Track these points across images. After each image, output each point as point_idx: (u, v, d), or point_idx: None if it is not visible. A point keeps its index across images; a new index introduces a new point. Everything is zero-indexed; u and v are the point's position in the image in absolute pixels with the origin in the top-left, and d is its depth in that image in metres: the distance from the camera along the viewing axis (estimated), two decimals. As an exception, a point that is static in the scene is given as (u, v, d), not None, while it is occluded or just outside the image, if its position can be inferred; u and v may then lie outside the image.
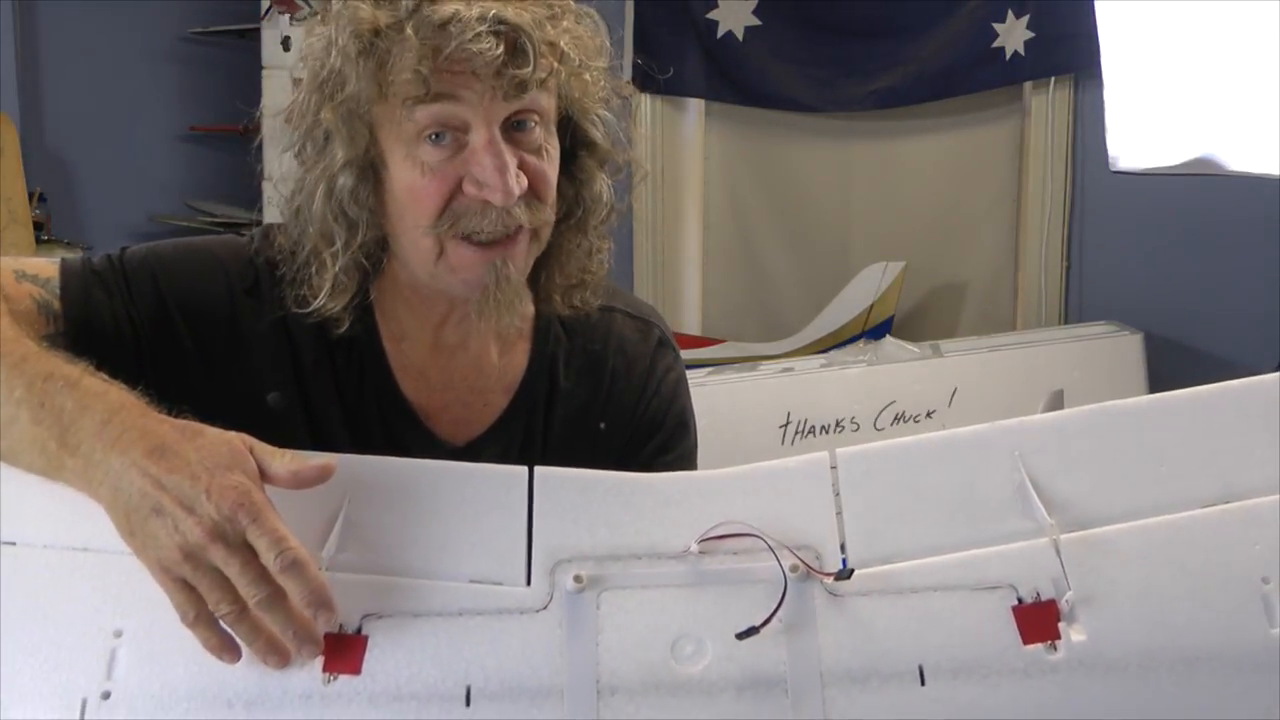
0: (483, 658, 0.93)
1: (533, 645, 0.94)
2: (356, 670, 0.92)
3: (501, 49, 1.09)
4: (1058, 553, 0.95)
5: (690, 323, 4.66)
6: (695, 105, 4.60)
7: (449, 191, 1.14)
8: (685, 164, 4.64)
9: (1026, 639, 0.93)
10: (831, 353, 3.92)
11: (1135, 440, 1.01)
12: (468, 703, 0.92)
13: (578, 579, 0.95)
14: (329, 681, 0.92)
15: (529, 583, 0.96)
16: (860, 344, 3.98)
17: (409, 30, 1.10)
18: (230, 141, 4.92)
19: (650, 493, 1.01)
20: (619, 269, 1.34)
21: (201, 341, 1.21)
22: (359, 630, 0.94)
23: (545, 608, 0.95)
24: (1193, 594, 0.95)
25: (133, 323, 1.19)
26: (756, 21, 4.43)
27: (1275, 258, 3.76)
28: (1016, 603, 0.94)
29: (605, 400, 1.34)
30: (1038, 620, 0.93)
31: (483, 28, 1.09)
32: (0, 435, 0.99)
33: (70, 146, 4.86)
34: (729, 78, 4.49)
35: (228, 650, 0.91)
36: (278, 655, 0.91)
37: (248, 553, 0.90)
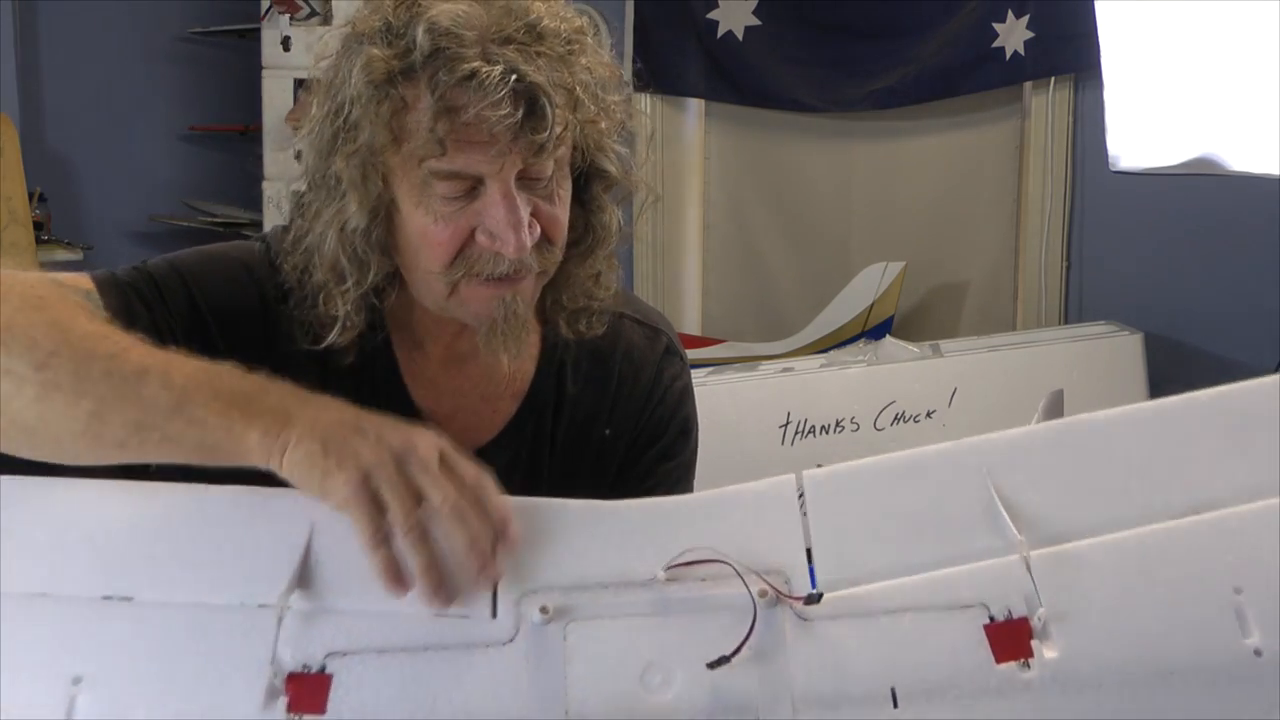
0: (449, 692, 0.91)
1: (499, 678, 0.92)
2: (321, 710, 0.89)
3: (520, 112, 1.07)
4: (1028, 569, 0.94)
5: (690, 322, 4.66)
6: (695, 105, 4.60)
7: (461, 240, 1.14)
8: (685, 164, 4.64)
9: (999, 658, 0.92)
10: (831, 353, 3.92)
11: (1103, 453, 1.01)
12: None
13: (544, 610, 0.93)
14: None
15: (494, 615, 0.94)
16: (860, 344, 3.99)
17: (423, 83, 1.08)
18: (230, 141, 4.92)
19: (616, 520, 0.99)
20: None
21: (235, 348, 1.18)
22: (323, 669, 0.91)
23: (511, 640, 0.93)
24: (1165, 606, 0.94)
25: (172, 333, 1.18)
26: (756, 21, 4.43)
27: (1275, 258, 3.75)
28: (988, 621, 0.93)
29: (611, 407, 1.34)
30: (1010, 638, 0.92)
31: (503, 91, 1.06)
32: (158, 427, 0.97)
33: (70, 146, 4.85)
34: (729, 78, 4.49)
35: (401, 581, 0.92)
36: (445, 594, 0.92)
37: (446, 467, 0.94)
